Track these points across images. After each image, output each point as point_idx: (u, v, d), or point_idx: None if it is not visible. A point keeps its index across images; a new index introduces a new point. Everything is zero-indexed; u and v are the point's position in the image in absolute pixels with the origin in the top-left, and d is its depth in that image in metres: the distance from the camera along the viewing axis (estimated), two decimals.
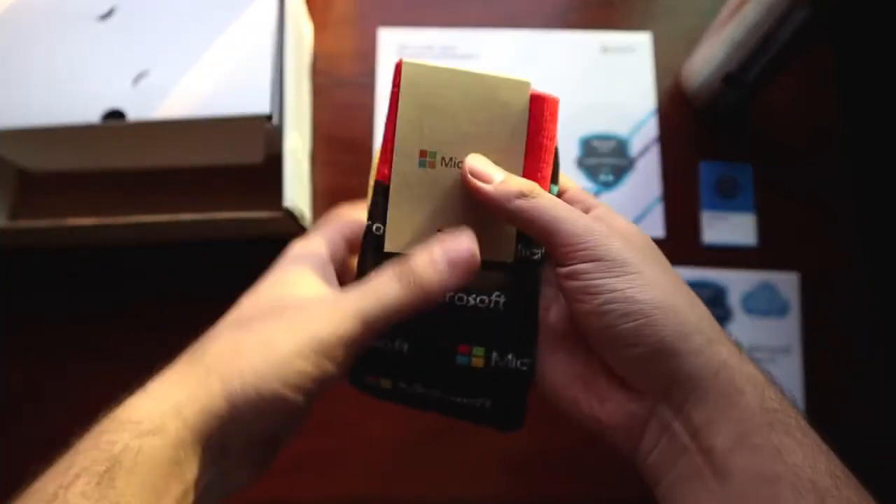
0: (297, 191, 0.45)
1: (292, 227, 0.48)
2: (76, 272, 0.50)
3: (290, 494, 0.47)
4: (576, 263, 0.24)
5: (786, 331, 0.50)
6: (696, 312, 0.24)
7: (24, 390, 0.49)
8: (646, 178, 0.54)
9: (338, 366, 0.23)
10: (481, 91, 0.26)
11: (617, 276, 0.23)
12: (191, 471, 0.21)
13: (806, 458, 0.23)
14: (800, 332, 0.50)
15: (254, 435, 0.23)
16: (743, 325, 0.50)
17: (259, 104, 0.42)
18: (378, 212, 0.26)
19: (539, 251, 0.27)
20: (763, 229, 0.53)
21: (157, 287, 0.50)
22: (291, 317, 0.23)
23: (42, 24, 0.45)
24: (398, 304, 0.23)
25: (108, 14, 0.45)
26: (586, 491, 0.47)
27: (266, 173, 0.46)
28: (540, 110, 0.27)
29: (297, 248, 0.27)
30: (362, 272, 0.26)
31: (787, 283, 0.51)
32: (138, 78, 0.43)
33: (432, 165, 0.26)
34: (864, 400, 0.50)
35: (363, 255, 0.26)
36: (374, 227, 0.26)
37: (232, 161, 0.48)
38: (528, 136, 0.27)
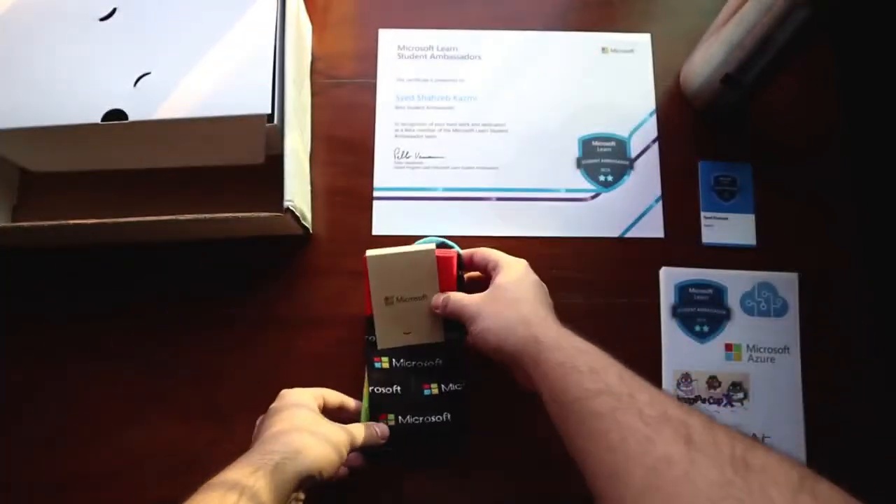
0: (297, 191, 0.46)
1: (292, 227, 0.48)
2: (76, 272, 0.50)
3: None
4: (470, 328, 0.44)
5: (785, 330, 0.50)
6: (515, 316, 0.42)
7: (24, 390, 0.49)
8: (645, 178, 0.54)
9: (343, 456, 0.40)
10: (412, 260, 0.47)
11: (472, 324, 0.44)
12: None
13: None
14: (799, 331, 0.51)
15: (312, 483, 0.38)
16: (742, 325, 0.51)
17: (260, 104, 0.43)
18: (370, 329, 0.48)
19: (458, 331, 0.47)
20: (762, 229, 0.53)
21: (157, 287, 0.51)
22: (317, 434, 0.39)
23: (43, 25, 0.45)
24: (362, 440, 0.43)
25: (109, 15, 0.45)
26: (586, 491, 0.47)
27: (266, 173, 0.46)
28: (442, 259, 0.47)
29: (296, 395, 0.42)
30: (368, 362, 0.48)
31: (786, 283, 0.51)
32: (139, 78, 0.43)
33: (391, 303, 0.47)
34: (864, 400, 0.50)
35: (367, 353, 0.48)
36: (370, 338, 0.48)
37: (233, 161, 0.49)
38: (438, 272, 0.47)
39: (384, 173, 0.54)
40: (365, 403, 0.46)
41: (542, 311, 0.42)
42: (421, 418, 0.47)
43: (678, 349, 0.50)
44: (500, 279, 0.44)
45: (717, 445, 0.27)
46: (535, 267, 0.46)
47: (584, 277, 0.52)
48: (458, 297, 0.45)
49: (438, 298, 0.47)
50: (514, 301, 0.43)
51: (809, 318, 0.51)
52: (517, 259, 0.46)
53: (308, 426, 0.39)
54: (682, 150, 0.54)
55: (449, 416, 0.47)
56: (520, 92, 0.56)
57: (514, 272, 0.45)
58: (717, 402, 0.49)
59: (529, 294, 0.43)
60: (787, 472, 0.25)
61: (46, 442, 0.48)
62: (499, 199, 0.53)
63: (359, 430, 0.43)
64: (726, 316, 0.51)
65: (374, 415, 0.46)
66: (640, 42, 0.57)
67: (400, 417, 0.46)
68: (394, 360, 0.47)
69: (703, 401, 0.49)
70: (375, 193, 0.53)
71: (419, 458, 0.48)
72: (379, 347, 0.48)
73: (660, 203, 0.53)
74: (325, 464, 0.38)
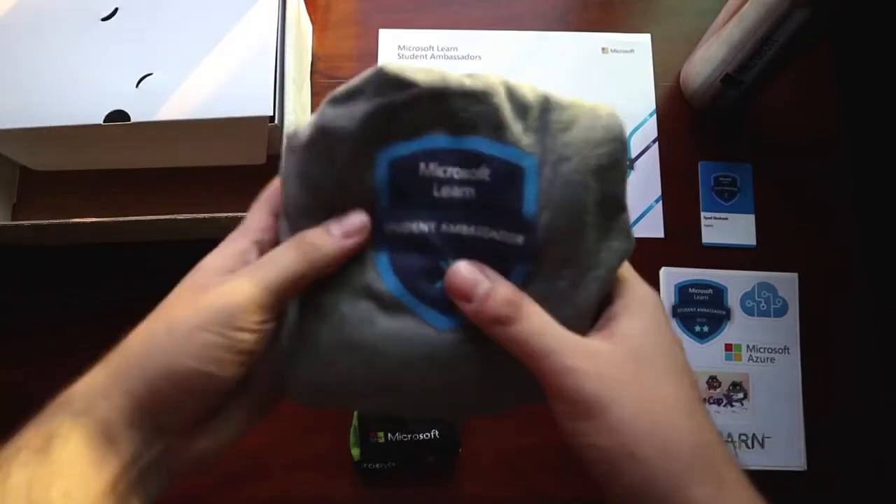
0: None
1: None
2: (77, 271, 0.51)
3: (291, 492, 0.47)
4: (552, 402, 0.24)
5: (785, 331, 0.50)
6: (671, 453, 0.22)
7: (24, 390, 0.49)
8: (645, 178, 0.54)
9: (251, 332, 0.24)
10: None
11: (582, 421, 0.23)
12: (126, 448, 0.23)
13: None
14: (799, 331, 0.51)
15: (187, 411, 0.24)
16: (742, 325, 0.51)
17: (261, 105, 0.43)
18: None
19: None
20: (762, 229, 0.53)
21: (157, 287, 0.50)
22: (195, 297, 0.25)
23: (45, 26, 0.45)
24: (295, 268, 0.25)
25: (110, 15, 0.45)
26: (586, 491, 0.47)
27: (266, 173, 0.46)
28: None
29: (227, 238, 0.29)
30: None
31: (786, 283, 0.51)
32: (141, 79, 0.43)
33: None
34: (863, 400, 0.50)
35: None
36: None
37: (234, 161, 0.49)
38: None
39: None
40: (354, 421, 0.46)
41: (710, 447, 0.24)
42: (410, 436, 0.45)
43: None
44: (634, 324, 0.25)
45: None
46: None
47: None
48: (545, 338, 0.24)
49: (494, 309, 0.24)
50: (671, 402, 0.24)
51: (809, 318, 0.51)
52: (644, 284, 0.27)
53: (188, 291, 0.25)
54: (682, 151, 0.54)
55: (437, 432, 0.46)
56: None
57: (650, 313, 0.26)
58: (717, 402, 0.50)
59: (687, 374, 0.25)
60: None
61: None
62: None
63: (282, 255, 0.25)
64: (726, 316, 0.51)
65: (364, 433, 0.46)
66: (640, 42, 0.57)
67: (390, 434, 0.45)
68: None
69: (703, 401, 0.49)
70: None
71: (413, 471, 0.48)
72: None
73: (660, 203, 0.53)
74: (190, 353, 0.23)
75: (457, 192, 0.26)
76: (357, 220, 0.26)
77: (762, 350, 0.50)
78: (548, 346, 0.23)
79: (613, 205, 0.26)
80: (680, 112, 0.55)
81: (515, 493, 0.48)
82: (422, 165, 0.26)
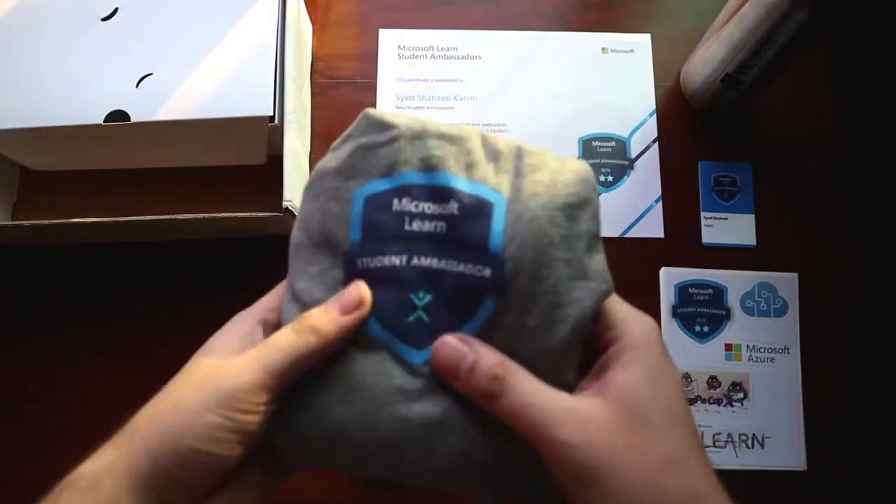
0: (297, 191, 0.46)
1: (292, 227, 0.48)
2: (76, 271, 0.51)
3: (291, 492, 0.47)
4: (552, 468, 0.24)
5: (785, 331, 0.50)
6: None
7: (23, 390, 0.49)
8: (645, 178, 0.54)
9: (253, 414, 0.24)
10: None
11: (577, 488, 0.23)
12: None
13: None
14: (799, 332, 0.51)
15: (190, 487, 0.25)
16: (742, 326, 0.51)
17: (261, 105, 0.43)
18: None
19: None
20: (762, 229, 0.53)
21: (157, 286, 0.51)
22: (200, 378, 0.25)
23: (45, 26, 0.45)
24: (296, 350, 0.25)
25: (110, 15, 0.45)
26: None
27: (266, 173, 0.46)
28: None
29: (233, 319, 0.29)
30: None
31: (786, 283, 0.51)
32: (141, 79, 0.43)
33: None
34: (863, 400, 0.50)
35: None
36: None
37: (233, 161, 0.49)
38: None
39: None
40: None
41: (706, 472, 0.24)
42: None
43: (678, 349, 0.50)
44: (627, 376, 0.24)
45: None
46: None
47: None
48: (538, 406, 0.23)
49: (482, 381, 0.24)
50: (671, 461, 0.23)
51: (809, 318, 0.51)
52: (646, 319, 0.26)
53: (197, 370, 0.26)
54: (682, 151, 0.54)
55: None
56: (520, 92, 0.56)
57: (645, 359, 0.25)
58: (717, 402, 0.49)
59: (684, 422, 0.24)
60: None
61: (48, 442, 0.48)
62: None
63: (283, 338, 0.25)
64: (726, 316, 0.51)
65: None
66: (640, 42, 0.57)
67: None
68: None
69: (703, 401, 0.49)
70: None
71: None
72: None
73: (660, 203, 0.53)
74: (194, 434, 0.23)
75: (427, 225, 0.26)
76: (355, 293, 0.26)
77: (762, 350, 0.50)
78: (537, 419, 0.23)
79: (585, 244, 0.27)
80: (680, 112, 0.55)
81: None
82: (395, 201, 0.27)
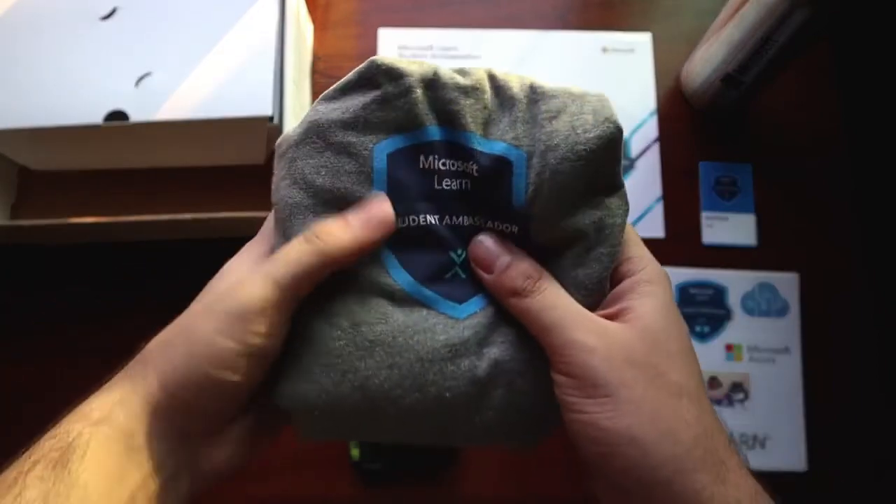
0: None
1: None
2: (76, 271, 0.50)
3: (291, 491, 0.47)
4: (556, 374, 0.24)
5: (785, 331, 0.50)
6: (675, 438, 0.22)
7: (23, 390, 0.49)
8: (646, 178, 0.54)
9: (265, 335, 0.23)
10: None
11: (587, 398, 0.22)
12: (148, 458, 0.23)
13: None
14: (799, 332, 0.51)
15: (205, 415, 0.24)
16: (743, 325, 0.51)
17: (261, 105, 0.43)
18: None
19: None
20: (763, 229, 0.53)
21: (156, 286, 0.51)
22: (210, 303, 0.24)
23: (44, 25, 0.45)
24: (306, 261, 0.23)
25: (109, 14, 0.45)
26: (586, 491, 0.47)
27: (266, 173, 0.46)
28: None
29: (247, 244, 0.28)
30: None
31: (786, 283, 0.51)
32: (140, 79, 0.43)
33: None
34: (864, 400, 0.50)
35: None
36: None
37: (233, 161, 0.49)
38: None
39: None
40: None
41: (713, 409, 0.24)
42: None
43: None
44: (644, 304, 0.24)
45: None
46: None
47: None
48: (558, 311, 0.24)
49: (511, 281, 0.25)
50: (676, 397, 0.23)
51: (810, 319, 0.51)
52: (653, 260, 0.27)
53: (207, 295, 0.25)
54: (683, 151, 0.54)
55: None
56: None
57: (661, 293, 0.25)
58: (718, 402, 0.49)
59: (694, 358, 0.24)
60: None
61: None
62: None
63: (293, 250, 0.24)
64: (727, 316, 0.51)
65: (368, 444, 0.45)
66: (640, 42, 0.57)
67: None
68: None
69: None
70: None
71: (413, 471, 0.47)
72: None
73: (660, 203, 0.53)
74: (209, 359, 0.23)
75: (454, 184, 0.26)
76: (379, 209, 0.24)
77: (763, 350, 0.50)
78: (559, 320, 0.23)
79: (607, 185, 0.26)
80: (680, 112, 0.55)
81: (515, 493, 0.48)
82: (422, 158, 0.26)
